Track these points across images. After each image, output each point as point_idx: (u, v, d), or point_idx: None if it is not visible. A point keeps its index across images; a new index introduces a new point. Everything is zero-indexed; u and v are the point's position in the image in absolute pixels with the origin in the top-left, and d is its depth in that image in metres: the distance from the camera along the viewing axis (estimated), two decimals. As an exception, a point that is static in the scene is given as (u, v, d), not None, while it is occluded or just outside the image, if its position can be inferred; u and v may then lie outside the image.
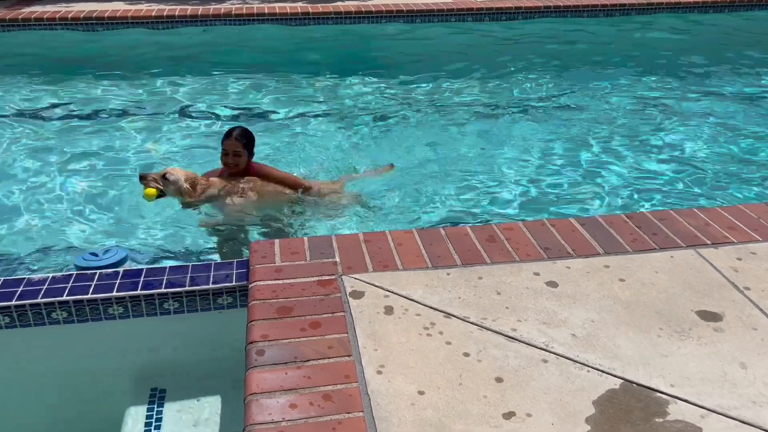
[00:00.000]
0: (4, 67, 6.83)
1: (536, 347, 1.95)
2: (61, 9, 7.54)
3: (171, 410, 2.31)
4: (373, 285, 2.25)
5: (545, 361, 1.89)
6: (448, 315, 2.08)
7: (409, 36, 7.78)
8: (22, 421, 2.52)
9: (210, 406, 2.34)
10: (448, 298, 2.16)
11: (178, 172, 3.75)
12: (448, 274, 2.30)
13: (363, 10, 7.75)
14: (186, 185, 3.71)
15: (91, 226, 3.92)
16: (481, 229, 2.63)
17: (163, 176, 3.71)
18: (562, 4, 8.07)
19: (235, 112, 5.90)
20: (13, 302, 2.24)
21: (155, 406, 2.32)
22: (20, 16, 7.22)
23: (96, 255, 2.66)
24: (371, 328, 2.02)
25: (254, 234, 3.91)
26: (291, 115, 5.83)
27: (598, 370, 1.86)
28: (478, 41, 7.79)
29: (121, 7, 7.67)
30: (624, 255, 2.43)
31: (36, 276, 2.37)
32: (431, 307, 2.12)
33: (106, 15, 7.34)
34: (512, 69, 7.05)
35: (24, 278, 2.36)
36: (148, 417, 2.28)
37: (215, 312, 2.42)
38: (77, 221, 3.97)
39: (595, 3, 8.13)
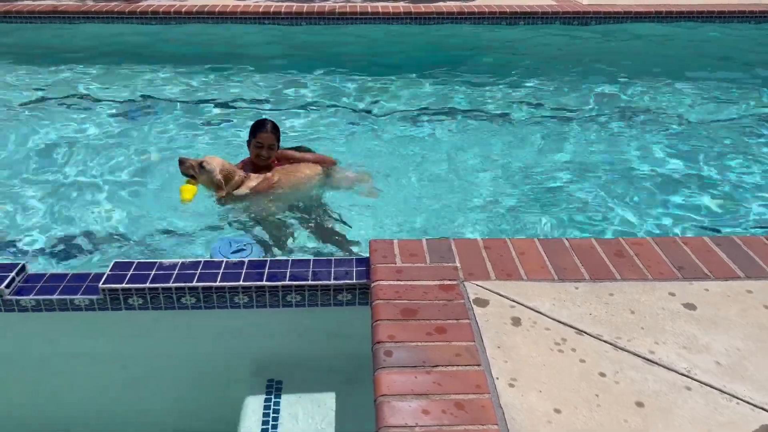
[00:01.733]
0: (117, 57, 7.21)
1: (678, 373, 1.84)
2: (175, 3, 7.87)
3: (287, 402, 2.34)
4: (498, 294, 2.19)
5: (688, 389, 1.79)
6: (580, 332, 2.00)
7: (511, 38, 7.65)
8: (144, 401, 2.63)
9: (325, 401, 2.35)
10: (579, 314, 2.08)
11: (215, 162, 3.74)
12: (576, 288, 2.22)
13: (465, 11, 7.68)
14: (219, 177, 3.70)
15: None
16: (608, 242, 2.53)
17: (200, 164, 3.73)
18: (665, 10, 7.73)
19: (330, 110, 5.96)
20: (147, 285, 2.33)
21: (272, 397, 2.36)
22: (138, 9, 7.59)
23: (230, 246, 2.74)
24: (499, 339, 1.97)
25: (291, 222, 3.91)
26: (387, 114, 5.84)
27: (749, 403, 1.74)
28: (586, 45, 7.57)
29: (230, 3, 7.93)
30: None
31: (167, 261, 2.46)
32: (561, 322, 2.05)
33: (216, 10, 7.61)
34: (620, 75, 6.81)
35: (156, 262, 2.45)
36: (266, 408, 2.32)
37: (334, 308, 2.44)
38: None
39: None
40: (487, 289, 2.22)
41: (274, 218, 3.87)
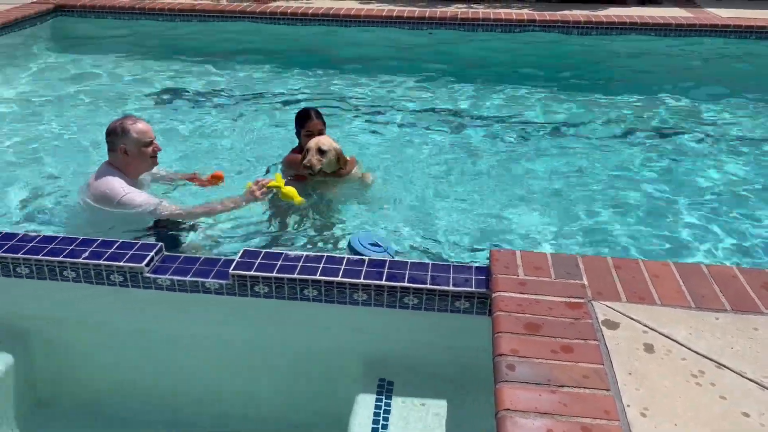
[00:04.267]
0: (248, 56, 7.55)
1: (835, 424, 1.67)
2: (302, 5, 8.15)
3: (398, 404, 2.33)
4: (629, 317, 2.08)
5: None
6: (720, 366, 1.86)
7: (642, 50, 7.31)
8: (256, 387, 2.70)
9: (436, 408, 2.33)
10: (719, 347, 1.94)
11: (323, 139, 3.82)
12: (717, 318, 2.07)
13: (593, 20, 7.42)
14: (338, 145, 3.84)
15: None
16: (752, 272, 2.34)
17: (319, 151, 3.77)
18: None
19: (447, 116, 5.91)
20: (273, 274, 2.41)
21: (383, 397, 2.36)
22: (268, 10, 7.92)
23: (374, 245, 2.79)
24: (630, 365, 1.87)
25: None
26: (504, 123, 5.74)
27: None
28: (725, 61, 7.10)
29: (354, 6, 8.11)
30: None
31: (292, 253, 2.53)
32: (699, 354, 1.91)
33: (341, 13, 7.79)
34: (759, 94, 6.33)
35: (282, 253, 2.53)
36: (377, 407, 2.32)
37: (450, 314, 2.41)
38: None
39: None
40: (617, 311, 2.11)
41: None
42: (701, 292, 2.21)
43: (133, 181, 3.51)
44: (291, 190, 3.53)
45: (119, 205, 3.35)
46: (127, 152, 3.44)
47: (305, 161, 3.80)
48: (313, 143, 3.82)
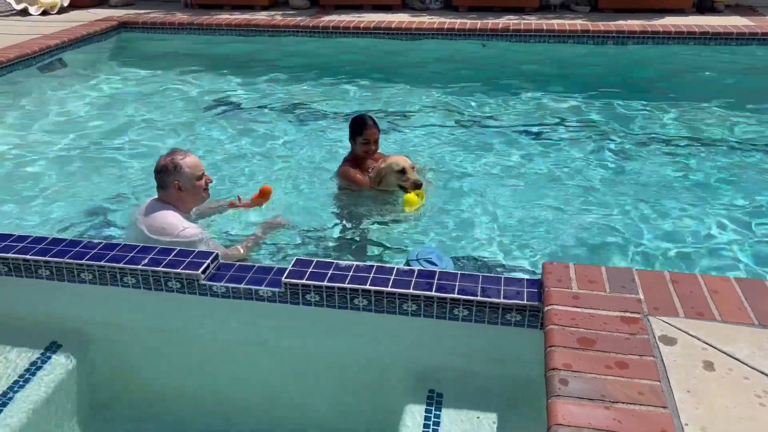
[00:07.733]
0: (300, 67, 7.69)
1: None
2: (354, 19, 8.26)
3: (447, 417, 2.31)
4: (687, 333, 2.02)
5: None
6: (786, 386, 1.79)
7: (700, 61, 7.11)
8: (305, 396, 2.72)
9: (485, 420, 2.30)
10: (785, 366, 1.86)
11: (400, 159, 3.94)
12: (782, 337, 1.98)
13: (649, 29, 7.27)
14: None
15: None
16: (821, 290, 2.24)
17: (411, 168, 3.90)
18: None
19: (497, 125, 5.87)
20: (324, 283, 2.44)
21: (433, 408, 2.35)
22: (321, 24, 8.06)
23: (430, 263, 2.81)
24: (689, 383, 1.81)
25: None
26: (548, 134, 5.66)
27: None
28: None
29: (406, 19, 8.17)
30: None
31: (343, 262, 2.56)
32: (763, 373, 1.84)
33: (392, 25, 7.86)
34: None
35: (333, 262, 2.56)
36: (426, 419, 2.31)
37: (501, 327, 2.38)
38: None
39: None
40: (674, 326, 2.05)
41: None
42: (764, 308, 2.12)
43: (188, 215, 3.46)
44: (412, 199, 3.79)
45: (177, 238, 3.25)
46: (181, 188, 3.34)
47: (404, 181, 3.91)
48: (389, 164, 3.95)
